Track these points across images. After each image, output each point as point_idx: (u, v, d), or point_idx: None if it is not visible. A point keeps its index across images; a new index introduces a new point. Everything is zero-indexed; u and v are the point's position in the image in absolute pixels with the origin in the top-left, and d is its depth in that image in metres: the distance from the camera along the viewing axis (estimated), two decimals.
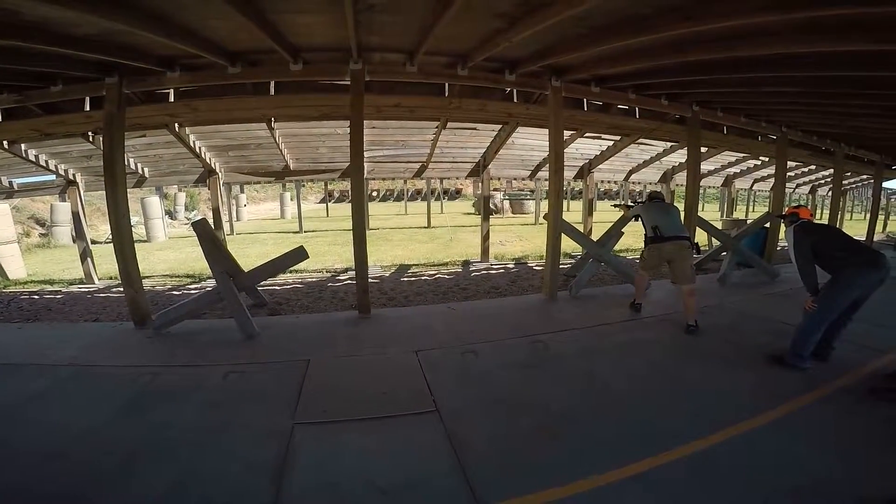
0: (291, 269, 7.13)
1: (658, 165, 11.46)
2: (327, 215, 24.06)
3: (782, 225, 4.04)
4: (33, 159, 7.34)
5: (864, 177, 15.24)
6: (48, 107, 5.32)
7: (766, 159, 11.43)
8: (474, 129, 8.32)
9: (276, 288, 7.23)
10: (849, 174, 13.98)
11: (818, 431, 2.70)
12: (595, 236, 7.12)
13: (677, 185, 12.06)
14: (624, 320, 4.83)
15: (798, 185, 16.21)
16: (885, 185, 15.67)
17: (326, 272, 8.86)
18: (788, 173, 12.02)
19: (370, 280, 5.51)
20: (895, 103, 5.35)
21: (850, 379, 3.36)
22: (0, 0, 2.95)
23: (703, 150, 8.44)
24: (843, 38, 3.44)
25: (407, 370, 3.59)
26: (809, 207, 4.02)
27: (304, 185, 25.39)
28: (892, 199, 22.88)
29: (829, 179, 14.45)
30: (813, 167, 12.96)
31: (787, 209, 4.01)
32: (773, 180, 9.07)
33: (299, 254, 4.79)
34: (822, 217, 16.07)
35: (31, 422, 2.87)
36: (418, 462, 2.44)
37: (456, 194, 38.30)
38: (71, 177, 8.13)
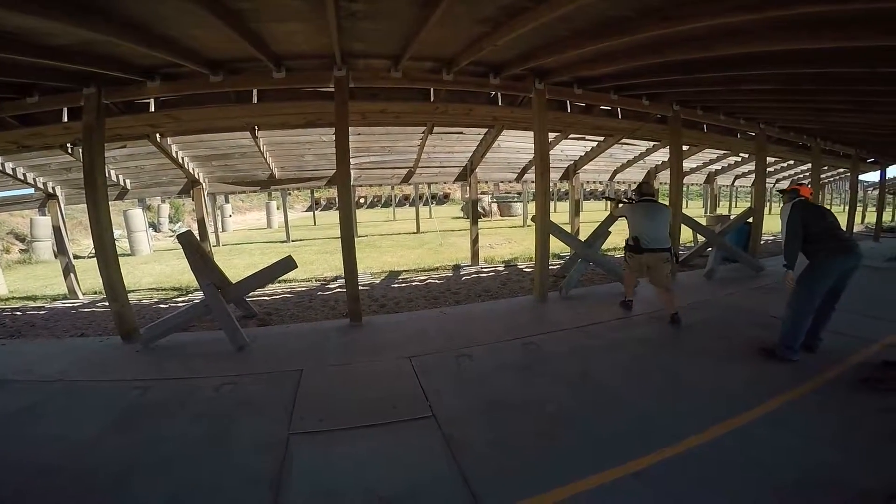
0: (280, 279, 7.06)
1: (642, 165, 11.63)
2: (315, 223, 23.88)
3: (782, 200, 4.06)
4: (11, 172, 7.18)
5: (842, 170, 15.62)
6: (25, 118, 5.18)
7: (747, 156, 11.67)
8: (460, 133, 8.36)
9: (266, 298, 7.15)
10: (826, 168, 14.31)
11: (814, 423, 2.74)
12: (582, 236, 7.17)
13: (661, 183, 12.21)
14: (615, 318, 4.86)
15: (778, 181, 16.54)
16: (862, 177, 16.07)
17: (316, 281, 8.79)
18: (768, 169, 12.27)
19: (360, 288, 5.48)
20: (864, 98, 5.50)
21: (841, 369, 3.42)
22: None
23: (685, 148, 8.58)
24: (815, 36, 3.52)
25: (401, 376, 3.57)
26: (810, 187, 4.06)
27: (290, 194, 25.21)
28: (870, 191, 23.45)
29: (808, 174, 14.78)
30: (792, 162, 13.25)
31: (789, 185, 4.03)
32: (753, 176, 9.25)
33: (287, 264, 4.73)
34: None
35: (20, 438, 2.81)
36: (417, 468, 2.42)
37: (444, 199, 38.38)
38: (50, 190, 7.96)
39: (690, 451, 2.49)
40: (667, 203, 6.20)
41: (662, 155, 10.73)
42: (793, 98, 6.00)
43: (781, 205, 4.00)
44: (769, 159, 10.53)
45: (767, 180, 11.97)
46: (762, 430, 2.66)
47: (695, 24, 3.40)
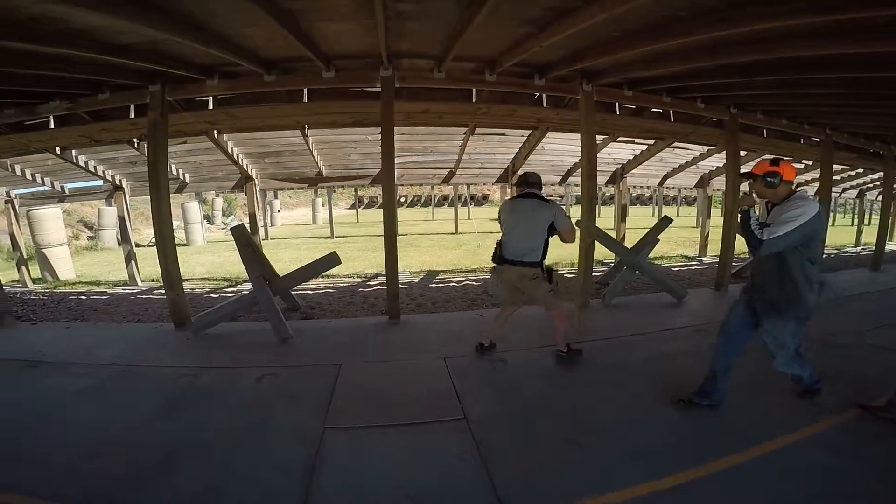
0: (324, 273, 7.26)
1: (694, 170, 11.10)
2: (357, 221, 24.39)
3: (747, 187, 2.70)
4: (83, 165, 7.75)
5: None
6: (96, 114, 5.60)
7: (811, 163, 10.93)
8: (503, 134, 8.30)
9: (309, 292, 7.37)
10: None
11: (859, 443, 2.58)
12: (628, 243, 6.95)
13: (715, 189, 11.66)
14: (659, 330, 4.67)
15: (844, 189, 15.41)
16: None
17: (357, 277, 8.98)
18: (834, 177, 11.47)
19: (399, 286, 5.55)
20: None
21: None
22: (49, 10, 3.06)
23: (742, 153, 8.14)
24: (882, 40, 3.25)
25: (436, 377, 3.59)
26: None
27: (335, 191, 25.82)
28: None
29: (878, 183, 13.69)
30: (860, 170, 12.30)
31: (754, 166, 2.67)
32: (818, 184, 8.66)
33: (332, 259, 4.86)
34: (872, 224, 15.12)
35: (73, 419, 2.97)
36: (446, 470, 2.42)
37: (483, 200, 38.15)
38: (118, 182, 8.55)
39: (731, 469, 2.37)
40: (720, 212, 5.89)
41: (717, 160, 10.21)
42: (861, 103, 5.58)
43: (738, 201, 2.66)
44: (835, 167, 9.84)
45: (833, 189, 11.18)
46: (804, 452, 2.52)
47: (751, 27, 3.21)
